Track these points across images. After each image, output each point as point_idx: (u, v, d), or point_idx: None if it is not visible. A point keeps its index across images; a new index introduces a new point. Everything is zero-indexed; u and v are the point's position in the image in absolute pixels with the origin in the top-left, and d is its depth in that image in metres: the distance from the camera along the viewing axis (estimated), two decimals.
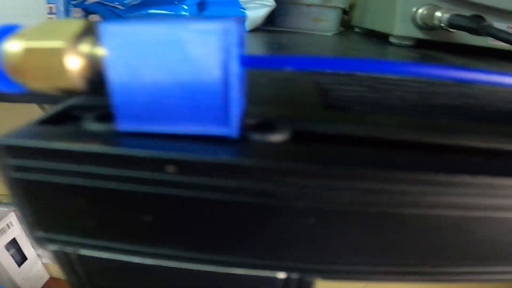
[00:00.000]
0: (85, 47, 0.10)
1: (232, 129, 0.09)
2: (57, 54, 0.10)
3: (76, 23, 0.10)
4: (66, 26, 0.10)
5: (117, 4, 0.45)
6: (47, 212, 0.11)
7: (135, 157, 0.09)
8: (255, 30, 0.49)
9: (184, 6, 0.43)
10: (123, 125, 0.10)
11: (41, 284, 0.88)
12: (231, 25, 0.08)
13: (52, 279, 0.90)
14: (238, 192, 0.09)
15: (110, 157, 0.09)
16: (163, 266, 0.11)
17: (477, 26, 0.29)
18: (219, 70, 0.08)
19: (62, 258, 0.12)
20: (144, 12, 0.44)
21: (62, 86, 0.10)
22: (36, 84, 0.10)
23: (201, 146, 0.09)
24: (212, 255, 0.10)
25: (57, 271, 0.85)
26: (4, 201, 0.80)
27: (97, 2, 0.45)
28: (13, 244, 0.80)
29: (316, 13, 0.55)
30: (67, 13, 0.42)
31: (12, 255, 0.79)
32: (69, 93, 0.10)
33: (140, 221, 0.10)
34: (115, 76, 0.09)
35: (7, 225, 0.78)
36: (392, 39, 0.39)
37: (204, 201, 0.09)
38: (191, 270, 0.11)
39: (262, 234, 0.10)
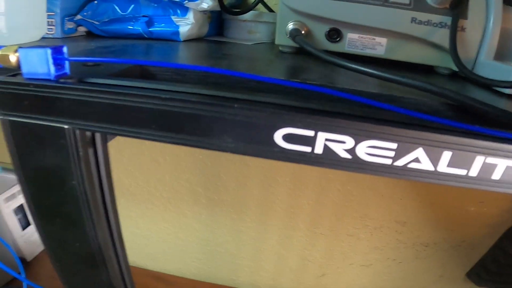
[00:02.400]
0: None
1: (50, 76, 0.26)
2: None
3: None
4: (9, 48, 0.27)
5: (94, 21, 0.61)
6: None
7: None
8: (200, 39, 0.65)
9: (138, 23, 0.59)
10: None
11: (40, 250, 1.03)
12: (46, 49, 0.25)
13: None
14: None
15: None
16: None
17: (293, 37, 0.44)
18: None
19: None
20: (112, 27, 0.60)
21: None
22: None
23: None
24: None
25: None
26: None
27: (82, 19, 0.61)
28: (21, 210, 0.95)
29: (251, 26, 0.70)
30: (62, 25, 0.59)
31: (19, 219, 0.94)
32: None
33: None
34: None
35: (18, 191, 0.92)
36: (280, 48, 0.54)
37: None
38: None
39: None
